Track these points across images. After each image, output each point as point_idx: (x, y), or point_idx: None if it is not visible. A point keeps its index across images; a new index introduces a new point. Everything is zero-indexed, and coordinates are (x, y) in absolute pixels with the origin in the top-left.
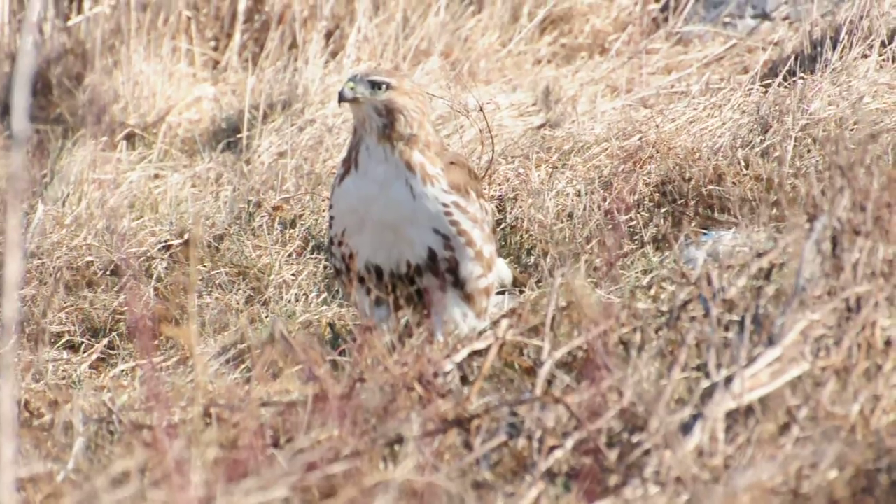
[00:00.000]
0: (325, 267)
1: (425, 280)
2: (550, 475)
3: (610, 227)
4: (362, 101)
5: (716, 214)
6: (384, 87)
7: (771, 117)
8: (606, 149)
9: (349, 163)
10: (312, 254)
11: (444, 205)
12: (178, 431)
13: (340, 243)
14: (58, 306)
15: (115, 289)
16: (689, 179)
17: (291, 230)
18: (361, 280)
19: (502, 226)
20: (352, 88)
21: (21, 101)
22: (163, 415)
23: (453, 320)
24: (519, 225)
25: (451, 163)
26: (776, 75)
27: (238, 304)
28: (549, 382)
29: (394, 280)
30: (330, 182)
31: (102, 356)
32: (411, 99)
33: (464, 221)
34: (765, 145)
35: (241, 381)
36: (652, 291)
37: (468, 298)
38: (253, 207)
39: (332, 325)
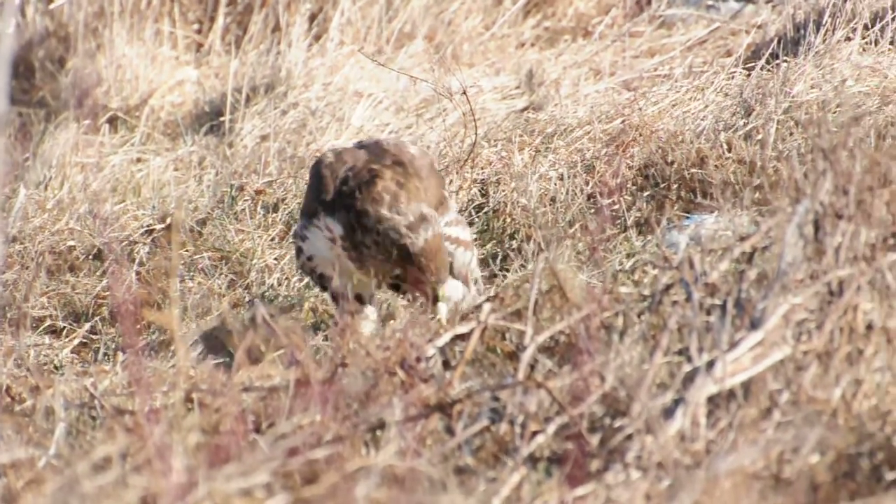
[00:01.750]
0: None
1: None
2: (532, 460)
3: (593, 210)
4: None
5: (698, 198)
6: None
7: (754, 100)
8: (589, 132)
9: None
10: (295, 238)
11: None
12: (159, 417)
13: (311, 259)
14: (40, 291)
15: (98, 273)
16: (672, 163)
17: (274, 214)
18: (335, 298)
19: (485, 210)
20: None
21: (2, 83)
22: (144, 400)
23: (454, 295)
24: (502, 209)
25: (427, 183)
26: (759, 58)
27: (220, 288)
28: (532, 367)
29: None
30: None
31: (84, 341)
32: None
33: (450, 231)
34: (747, 128)
35: (223, 365)
36: (634, 275)
37: (462, 280)
38: (235, 191)
39: (314, 310)
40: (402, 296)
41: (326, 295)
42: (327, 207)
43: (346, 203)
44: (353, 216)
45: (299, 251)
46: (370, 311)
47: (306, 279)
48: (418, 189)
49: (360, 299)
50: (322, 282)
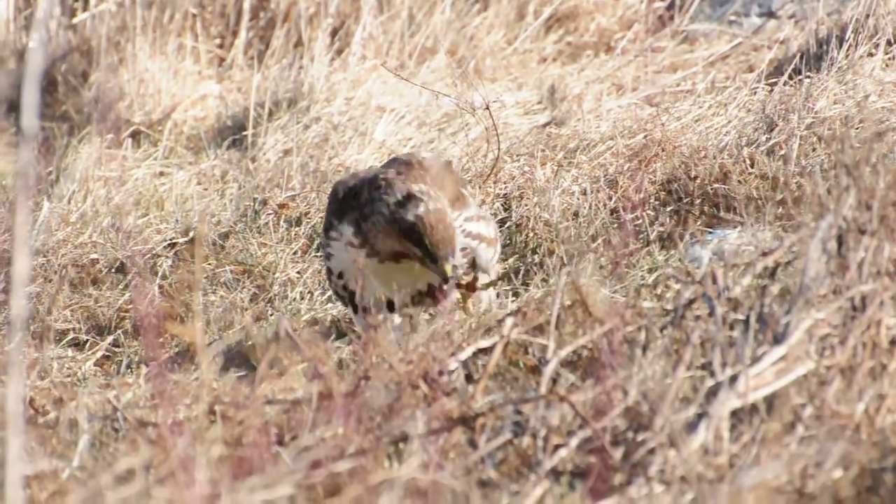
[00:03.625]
0: None
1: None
2: (555, 474)
3: (615, 225)
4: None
5: (721, 213)
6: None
7: (776, 116)
8: (612, 147)
9: (365, 245)
10: (317, 251)
11: (458, 226)
12: (183, 429)
13: (340, 276)
14: (63, 304)
15: (121, 286)
16: (695, 178)
17: (297, 228)
18: (365, 309)
19: (507, 224)
20: (454, 269)
21: (31, 98)
22: (168, 412)
23: (479, 298)
24: (524, 224)
25: (442, 180)
26: (782, 74)
27: (243, 301)
28: (554, 381)
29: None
30: (335, 180)
31: (107, 354)
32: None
33: (471, 227)
34: (770, 144)
35: (246, 378)
36: (657, 290)
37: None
38: (258, 205)
39: (336, 323)
40: (426, 310)
41: (356, 317)
42: (339, 216)
43: (352, 204)
44: (357, 211)
45: (329, 273)
46: (396, 321)
47: (330, 294)
48: (423, 178)
49: (390, 307)
50: (353, 300)
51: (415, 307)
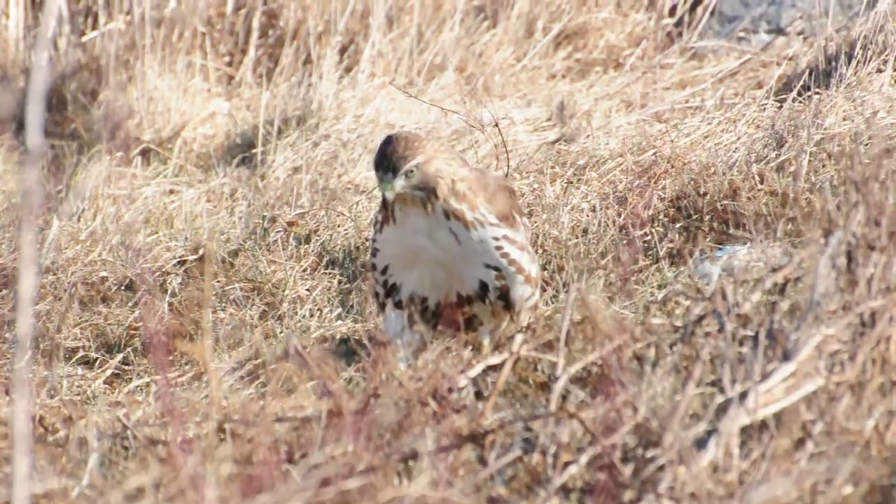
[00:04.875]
0: (339, 282)
1: (475, 308)
2: (565, 490)
3: (625, 242)
4: (405, 192)
5: (731, 229)
6: (415, 168)
7: (786, 132)
8: (621, 164)
9: (387, 214)
10: (327, 269)
11: (495, 238)
12: (192, 447)
13: (384, 271)
14: (72, 322)
15: (130, 304)
16: (704, 194)
17: (306, 245)
18: (399, 304)
19: None
20: (390, 190)
21: (35, 116)
22: (177, 430)
23: (500, 331)
24: (534, 240)
25: (494, 191)
26: (791, 90)
27: (252, 319)
28: (564, 398)
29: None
30: (345, 197)
31: (117, 372)
32: (439, 159)
33: (513, 252)
34: (780, 160)
35: (256, 396)
36: (666, 307)
37: (515, 314)
38: (268, 223)
39: (345, 341)
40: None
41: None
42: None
43: None
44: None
45: (373, 269)
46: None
47: (339, 312)
48: (466, 164)
49: (425, 310)
50: (394, 294)
51: (434, 330)
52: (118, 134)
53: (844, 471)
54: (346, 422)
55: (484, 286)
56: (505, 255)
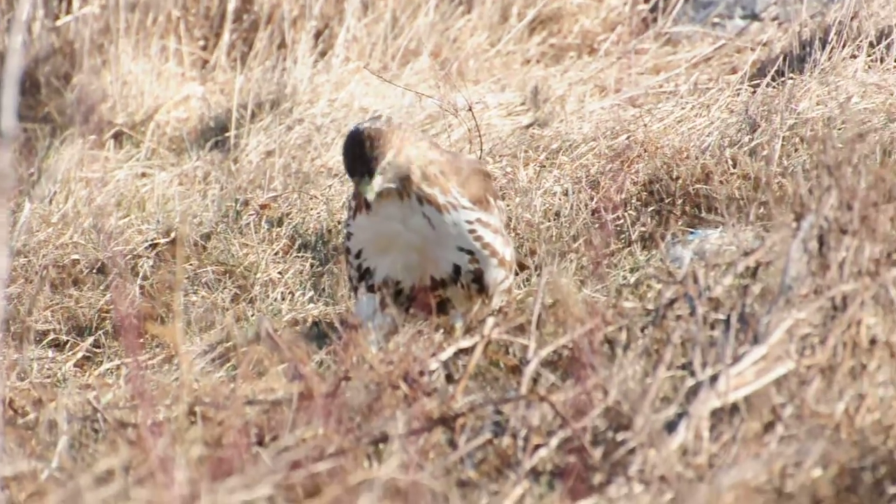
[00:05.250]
0: (311, 265)
1: (448, 291)
2: (535, 473)
3: (597, 225)
4: (386, 188)
5: (703, 213)
6: (386, 164)
7: (759, 117)
8: (594, 148)
9: (360, 203)
10: (299, 252)
11: (468, 222)
12: (162, 430)
13: (358, 255)
14: (43, 304)
15: (101, 287)
16: (677, 178)
17: (278, 229)
18: (372, 288)
19: None
20: (371, 191)
21: (9, 99)
22: (147, 413)
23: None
24: (506, 224)
25: (468, 175)
26: (765, 75)
27: (224, 302)
28: (535, 381)
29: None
30: (318, 181)
31: (88, 354)
32: (407, 146)
33: (486, 235)
34: (753, 144)
35: (227, 379)
36: (638, 290)
37: (488, 297)
38: (240, 206)
39: (317, 324)
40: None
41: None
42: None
43: None
44: None
45: (347, 254)
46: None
47: (311, 295)
48: (438, 148)
49: (397, 296)
50: (367, 278)
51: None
52: (91, 117)
53: (814, 454)
54: (316, 404)
55: (457, 269)
56: (478, 239)
